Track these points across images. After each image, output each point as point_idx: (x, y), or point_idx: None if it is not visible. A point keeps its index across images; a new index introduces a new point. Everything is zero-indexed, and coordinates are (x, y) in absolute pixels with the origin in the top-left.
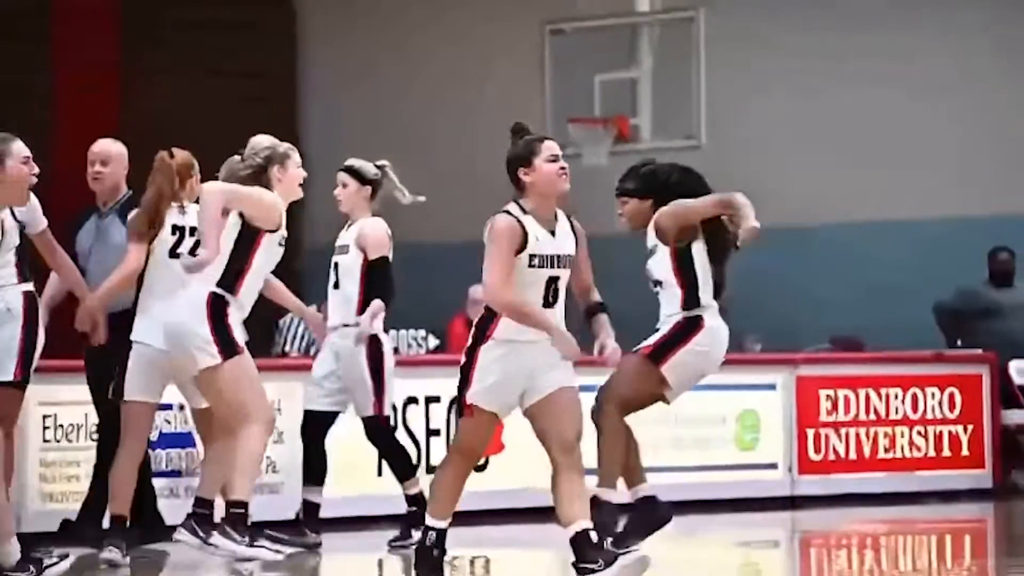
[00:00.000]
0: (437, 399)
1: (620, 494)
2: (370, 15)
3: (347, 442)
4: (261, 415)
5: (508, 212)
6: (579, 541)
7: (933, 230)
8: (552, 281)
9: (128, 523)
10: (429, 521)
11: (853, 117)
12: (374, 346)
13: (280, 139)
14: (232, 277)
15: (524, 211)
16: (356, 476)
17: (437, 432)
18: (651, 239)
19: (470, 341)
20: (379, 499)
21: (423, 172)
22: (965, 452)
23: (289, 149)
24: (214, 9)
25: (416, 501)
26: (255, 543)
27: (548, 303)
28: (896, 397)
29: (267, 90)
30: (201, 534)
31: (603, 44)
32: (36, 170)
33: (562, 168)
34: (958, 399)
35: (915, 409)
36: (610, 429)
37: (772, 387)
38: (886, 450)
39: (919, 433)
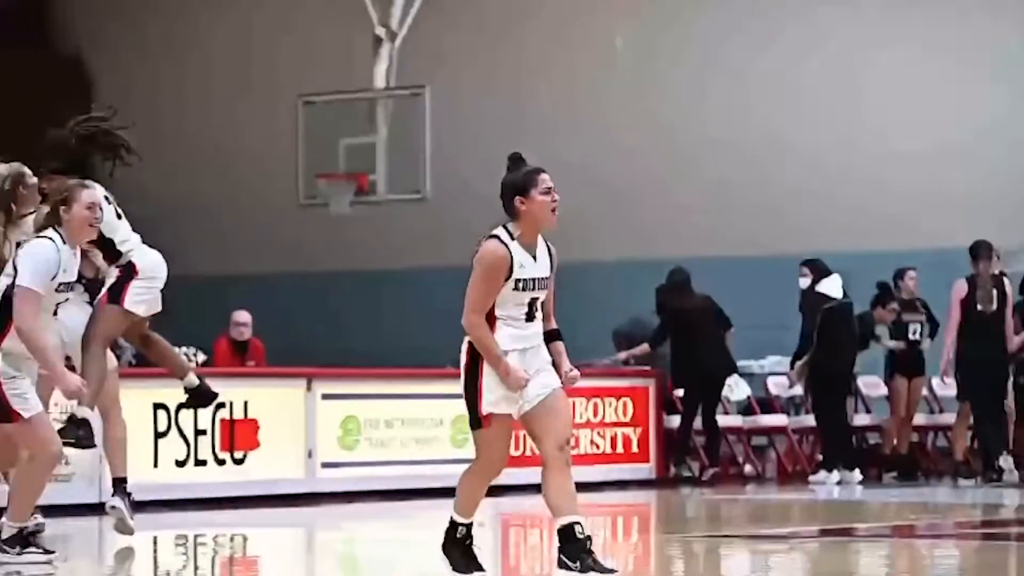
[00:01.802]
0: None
1: None
2: (154, 88)
3: None
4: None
5: (498, 237)
6: (566, 533)
7: (607, 270)
8: (534, 300)
9: None
10: (457, 518)
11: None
12: None
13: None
14: None
15: (512, 236)
16: None
17: (204, 432)
18: None
19: (467, 359)
20: None
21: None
22: (635, 449)
23: None
24: None
25: None
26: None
27: (530, 318)
28: (580, 404)
29: None
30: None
31: (347, 113)
32: (99, 216)
33: (554, 200)
34: (630, 406)
35: (596, 414)
36: None
37: None
38: (572, 448)
39: (599, 434)
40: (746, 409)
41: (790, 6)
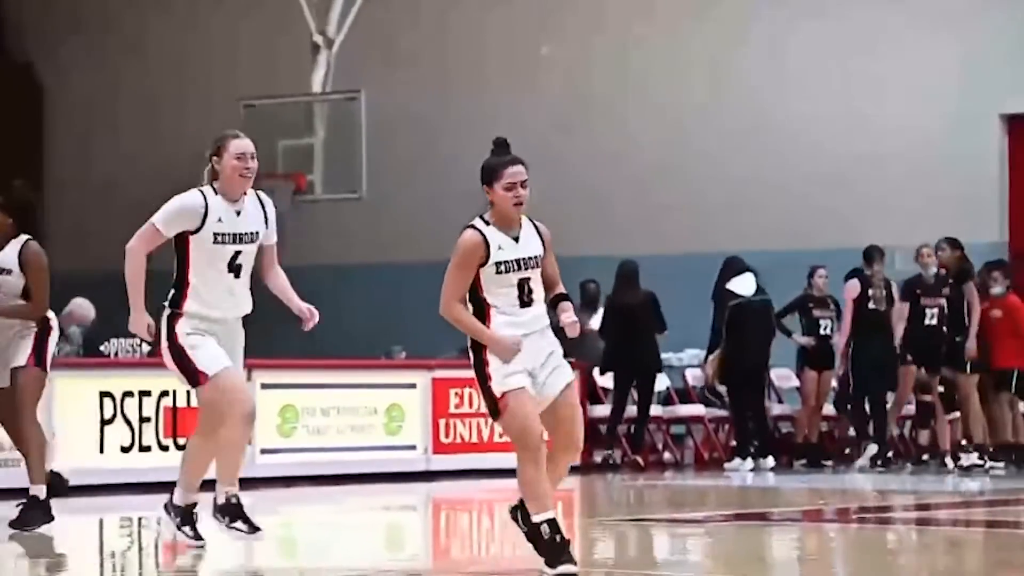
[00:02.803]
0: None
1: None
2: (101, 92)
3: None
4: None
5: (474, 226)
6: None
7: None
8: (524, 282)
9: None
10: (538, 518)
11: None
12: None
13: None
14: None
15: (487, 223)
16: None
17: (148, 419)
18: None
19: (471, 352)
20: None
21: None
22: None
23: None
24: None
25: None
26: None
27: (525, 303)
28: None
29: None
30: None
31: (286, 116)
32: (249, 166)
33: (516, 196)
34: None
35: None
36: None
37: (413, 385)
38: (499, 436)
39: None
40: (665, 399)
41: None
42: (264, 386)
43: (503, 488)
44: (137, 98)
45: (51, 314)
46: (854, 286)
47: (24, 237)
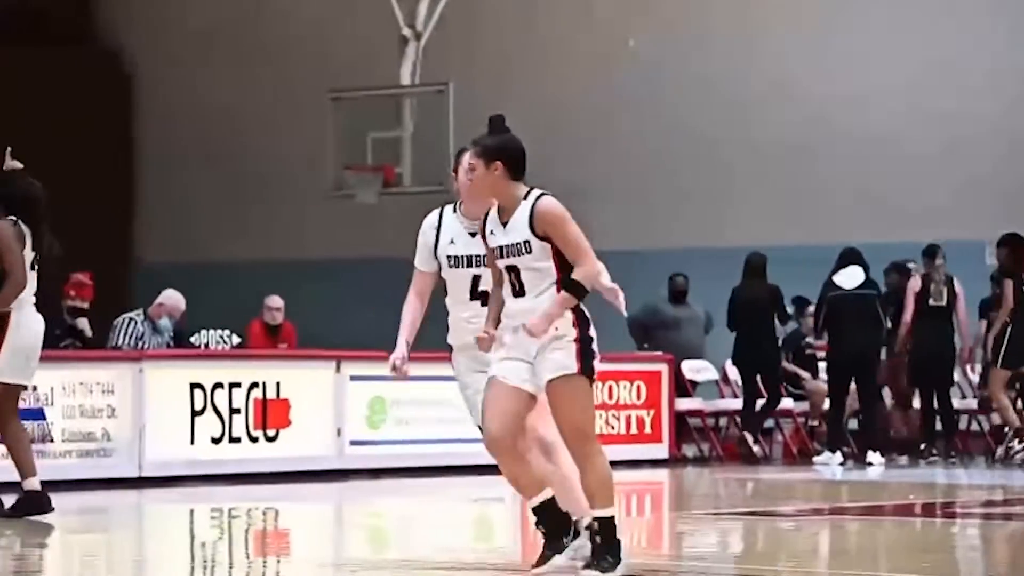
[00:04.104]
0: (238, 384)
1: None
2: (192, 83)
3: None
4: None
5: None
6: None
7: (628, 259)
8: (510, 270)
9: None
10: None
11: (564, 166)
12: None
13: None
14: None
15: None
16: None
17: (238, 411)
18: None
19: None
20: None
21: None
22: (648, 431)
23: None
24: None
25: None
26: None
27: (516, 293)
28: (596, 387)
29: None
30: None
31: (375, 108)
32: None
33: (464, 183)
34: (643, 390)
35: (611, 397)
36: None
37: None
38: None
39: (613, 415)
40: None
41: None
42: (353, 378)
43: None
44: (226, 89)
45: (16, 312)
46: (916, 282)
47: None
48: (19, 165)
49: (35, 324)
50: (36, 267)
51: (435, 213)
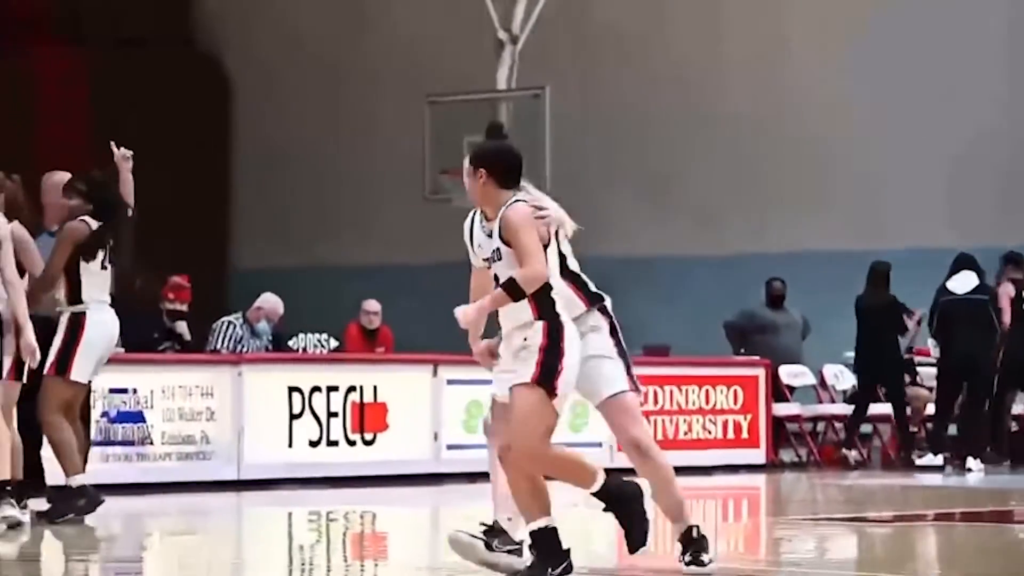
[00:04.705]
0: (336, 388)
1: None
2: (291, 86)
3: None
4: None
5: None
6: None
7: (726, 264)
8: (495, 278)
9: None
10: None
11: (663, 170)
12: None
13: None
14: None
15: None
16: None
17: (336, 414)
18: None
19: None
20: None
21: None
22: (745, 435)
23: None
24: None
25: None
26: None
27: None
28: (693, 392)
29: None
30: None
31: (470, 112)
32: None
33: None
34: (740, 395)
35: (708, 402)
36: None
37: None
38: (685, 433)
39: (711, 420)
40: (851, 398)
41: None
42: (450, 382)
43: (690, 485)
44: (322, 94)
45: (91, 311)
46: (1010, 288)
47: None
48: (129, 153)
49: (110, 324)
50: (107, 267)
51: (471, 214)
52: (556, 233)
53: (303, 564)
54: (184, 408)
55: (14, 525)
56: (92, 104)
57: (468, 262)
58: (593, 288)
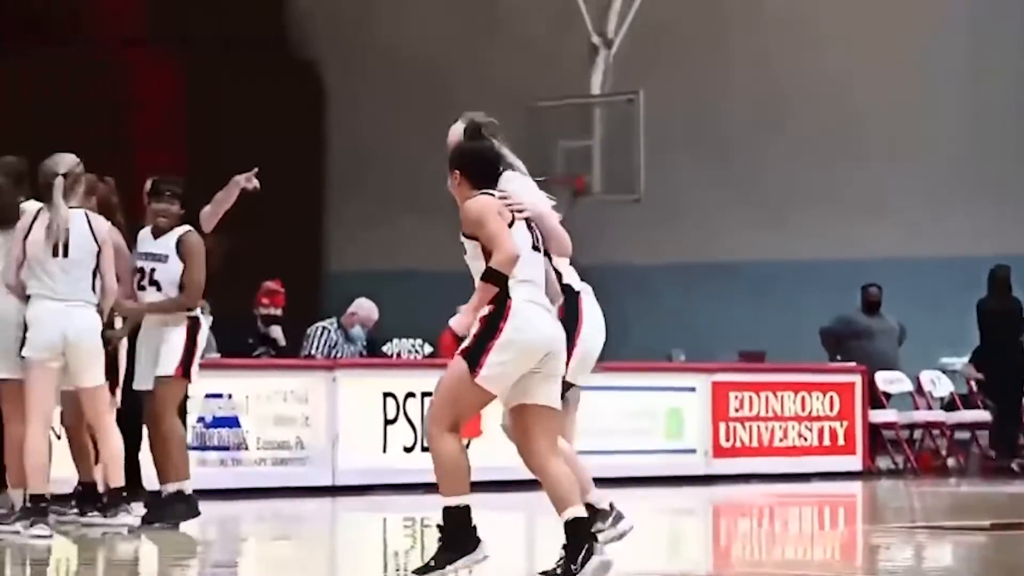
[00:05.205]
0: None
1: None
2: (384, 94)
3: None
4: None
5: None
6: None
7: (822, 268)
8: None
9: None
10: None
11: (755, 173)
12: None
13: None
14: None
15: None
16: None
17: None
18: None
19: None
20: None
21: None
22: (841, 442)
23: None
24: None
25: None
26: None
27: None
28: (789, 398)
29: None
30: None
31: (565, 118)
32: None
33: None
34: (836, 401)
35: (803, 408)
36: None
37: (693, 389)
38: (780, 440)
39: (806, 427)
40: (949, 404)
41: None
42: None
43: (786, 492)
44: (415, 100)
45: (200, 312)
46: None
47: (186, 227)
48: (255, 185)
49: (206, 330)
50: None
51: None
52: (529, 223)
53: (397, 570)
54: (279, 413)
55: (132, 531)
56: (187, 107)
57: None
58: (565, 281)
